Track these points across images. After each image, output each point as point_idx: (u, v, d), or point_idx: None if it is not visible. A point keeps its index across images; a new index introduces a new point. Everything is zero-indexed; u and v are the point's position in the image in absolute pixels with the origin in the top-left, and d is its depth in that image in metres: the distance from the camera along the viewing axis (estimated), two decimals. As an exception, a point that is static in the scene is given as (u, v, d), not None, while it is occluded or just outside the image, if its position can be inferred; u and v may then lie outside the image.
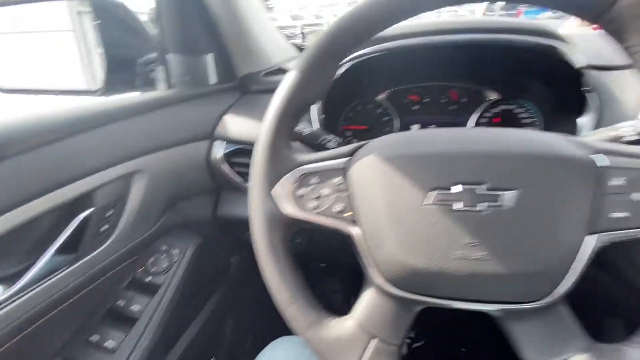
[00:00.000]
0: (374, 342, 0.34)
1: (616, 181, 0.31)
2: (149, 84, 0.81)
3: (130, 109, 0.63)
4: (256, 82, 0.82)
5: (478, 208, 0.31)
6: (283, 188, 0.37)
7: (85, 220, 0.53)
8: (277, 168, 0.38)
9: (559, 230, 0.31)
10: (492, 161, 0.33)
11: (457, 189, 0.32)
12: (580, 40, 0.59)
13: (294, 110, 0.38)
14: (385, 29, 0.36)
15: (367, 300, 0.36)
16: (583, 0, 0.30)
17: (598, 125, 0.55)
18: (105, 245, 0.57)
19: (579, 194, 0.31)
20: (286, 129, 0.39)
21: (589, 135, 0.46)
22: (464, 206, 0.32)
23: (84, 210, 0.53)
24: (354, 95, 0.78)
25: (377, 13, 0.35)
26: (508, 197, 0.31)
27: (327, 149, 0.56)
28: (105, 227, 0.57)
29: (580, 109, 0.57)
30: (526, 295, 0.32)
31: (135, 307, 0.61)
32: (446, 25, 0.66)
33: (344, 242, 0.37)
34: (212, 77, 0.80)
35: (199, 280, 0.79)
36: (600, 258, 0.61)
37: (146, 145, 0.63)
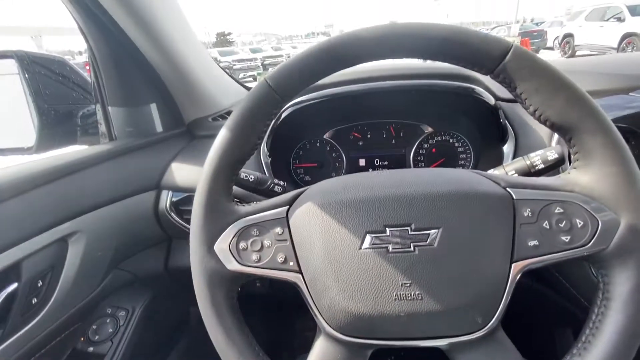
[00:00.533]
0: None
1: (526, 212, 0.34)
2: (91, 137, 0.79)
3: (66, 167, 0.60)
4: (204, 127, 0.82)
5: (411, 248, 0.33)
6: (224, 243, 0.37)
7: (11, 296, 0.48)
8: (217, 223, 0.38)
9: (485, 262, 0.33)
10: (415, 203, 0.35)
11: (390, 231, 0.34)
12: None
13: (228, 166, 0.39)
14: (306, 87, 0.38)
15: (317, 349, 0.36)
16: (478, 59, 0.34)
17: (517, 152, 0.61)
18: (37, 318, 0.52)
19: (500, 226, 0.34)
20: (222, 184, 0.39)
21: (507, 165, 0.50)
22: (398, 248, 0.33)
23: (8, 285, 0.48)
24: (302, 135, 0.80)
25: (298, 74, 0.37)
26: (434, 236, 0.33)
27: (275, 192, 0.57)
28: (37, 299, 0.52)
29: (502, 138, 0.63)
30: (465, 328, 0.33)
31: (76, 385, 0.56)
32: (379, 72, 0.72)
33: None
34: (158, 126, 0.79)
35: (154, 337, 0.74)
36: (540, 274, 0.65)
37: (84, 204, 0.60)
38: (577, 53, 9.99)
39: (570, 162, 0.38)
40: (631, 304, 0.31)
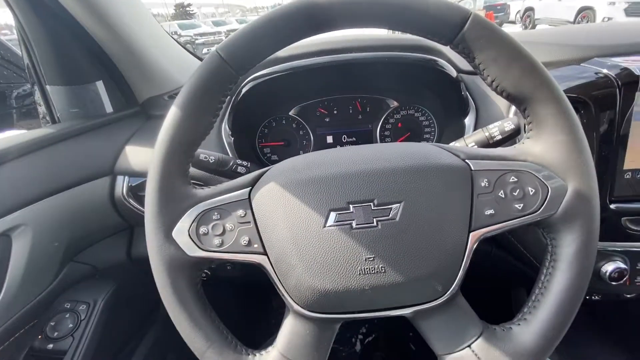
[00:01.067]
0: None
1: (483, 182, 0.35)
2: (31, 120, 0.71)
3: (3, 154, 0.54)
4: (160, 106, 0.77)
5: (374, 223, 0.33)
6: (183, 228, 0.36)
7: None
8: (173, 209, 0.36)
9: (445, 233, 0.34)
10: (377, 178, 0.35)
11: (353, 208, 0.34)
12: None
13: (181, 147, 0.36)
14: (263, 59, 0.36)
15: (286, 328, 0.36)
16: (437, 29, 0.34)
17: (477, 124, 0.63)
18: None
19: (459, 198, 0.35)
20: (177, 166, 0.37)
21: (468, 137, 0.51)
22: (361, 223, 0.34)
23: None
24: (267, 112, 0.77)
25: (253, 44, 0.35)
26: (396, 210, 0.34)
27: (238, 174, 0.55)
28: (-19, 299, 0.48)
29: (464, 111, 0.64)
30: (427, 296, 0.34)
31: (36, 383, 0.53)
32: (343, 44, 0.69)
33: None
34: (107, 106, 0.73)
35: (121, 330, 0.72)
36: (497, 239, 0.69)
37: (28, 195, 0.55)
38: (537, 27, 10.35)
39: (525, 132, 0.39)
40: (575, 264, 0.34)
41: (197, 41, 11.88)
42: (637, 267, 0.59)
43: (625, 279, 0.58)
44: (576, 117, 0.35)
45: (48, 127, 0.67)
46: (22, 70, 0.72)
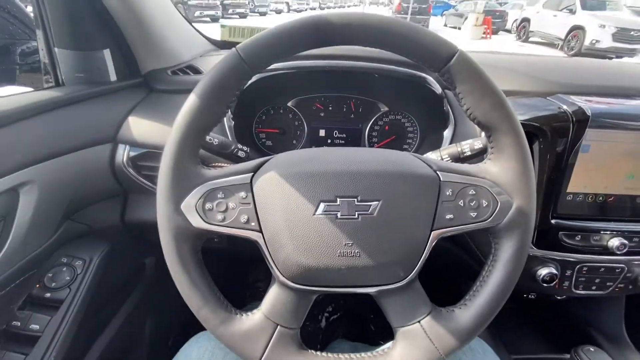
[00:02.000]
0: (278, 329, 0.41)
1: (447, 192, 0.42)
2: (32, 77, 0.72)
3: (13, 113, 0.57)
4: (163, 80, 0.79)
5: (355, 216, 0.40)
6: (190, 203, 0.40)
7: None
8: (184, 185, 0.41)
9: (411, 229, 0.41)
10: (362, 178, 0.41)
11: (340, 201, 0.40)
12: None
13: (195, 132, 0.41)
14: (276, 62, 0.41)
15: (271, 295, 0.42)
16: (428, 58, 0.40)
17: (454, 137, 0.71)
18: None
19: (426, 202, 0.41)
20: (190, 148, 0.41)
21: (443, 149, 0.59)
22: (345, 215, 0.40)
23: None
24: (266, 101, 0.82)
25: (269, 48, 0.39)
26: (375, 207, 0.40)
27: (238, 157, 0.60)
28: (-12, 246, 0.52)
29: (444, 124, 0.72)
30: (390, 279, 0.41)
31: (34, 326, 0.58)
32: (346, 51, 0.75)
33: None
34: (111, 74, 0.75)
35: (110, 286, 0.77)
36: (457, 240, 0.79)
37: (35, 154, 0.58)
38: (530, 39, 10.58)
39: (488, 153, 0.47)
40: (509, 265, 0.42)
41: (189, 2, 11.24)
42: (566, 274, 0.70)
43: (555, 282, 0.69)
44: (528, 149, 0.42)
45: (54, 89, 0.68)
46: (27, 27, 0.72)
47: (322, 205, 0.40)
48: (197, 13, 10.94)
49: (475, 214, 0.41)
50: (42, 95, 0.62)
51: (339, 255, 0.39)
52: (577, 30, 8.43)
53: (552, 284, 0.69)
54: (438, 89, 0.71)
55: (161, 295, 0.98)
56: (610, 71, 0.83)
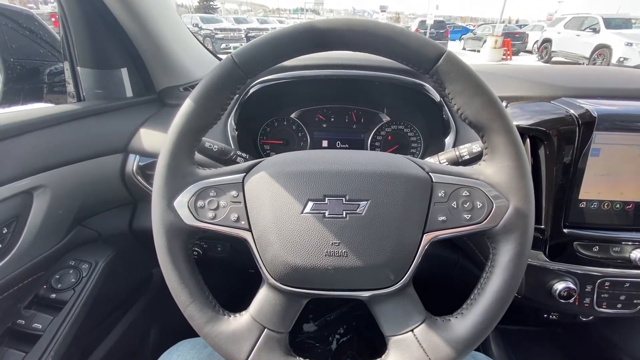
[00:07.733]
0: (265, 332, 0.40)
1: (440, 193, 0.41)
2: (58, 95, 0.79)
3: (34, 123, 0.62)
4: (175, 96, 0.84)
5: (343, 215, 0.39)
6: (183, 200, 0.41)
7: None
8: (177, 182, 0.42)
9: (402, 231, 0.39)
10: (351, 178, 0.41)
11: (328, 200, 0.40)
12: None
13: (190, 133, 0.43)
14: (269, 67, 0.43)
15: (260, 297, 0.42)
16: (416, 60, 0.40)
17: (456, 143, 0.69)
18: (1, 263, 0.55)
19: (418, 203, 0.40)
20: (185, 148, 0.43)
21: (441, 154, 0.58)
22: (333, 214, 0.39)
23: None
24: (270, 113, 0.84)
25: (262, 54, 0.41)
26: (363, 206, 0.39)
27: (237, 164, 0.62)
28: (2, 244, 0.55)
29: (445, 131, 0.71)
30: (381, 283, 0.40)
31: (37, 325, 0.59)
32: (345, 60, 0.77)
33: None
34: (128, 91, 0.80)
35: (115, 292, 0.78)
36: (453, 243, 0.75)
37: (51, 160, 0.62)
38: (553, 59, 10.42)
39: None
40: (507, 271, 0.39)
41: (216, 36, 12.00)
42: (586, 289, 0.64)
43: (574, 298, 0.63)
44: (522, 147, 0.40)
45: (74, 103, 0.74)
46: (55, 49, 0.80)
47: (310, 204, 0.39)
48: (223, 45, 11.64)
49: (469, 215, 0.39)
50: (61, 108, 0.68)
51: (325, 255, 0.38)
52: (602, 49, 8.31)
53: (570, 300, 0.63)
54: (436, 96, 0.71)
55: (166, 306, 0.98)
56: (615, 75, 0.80)
